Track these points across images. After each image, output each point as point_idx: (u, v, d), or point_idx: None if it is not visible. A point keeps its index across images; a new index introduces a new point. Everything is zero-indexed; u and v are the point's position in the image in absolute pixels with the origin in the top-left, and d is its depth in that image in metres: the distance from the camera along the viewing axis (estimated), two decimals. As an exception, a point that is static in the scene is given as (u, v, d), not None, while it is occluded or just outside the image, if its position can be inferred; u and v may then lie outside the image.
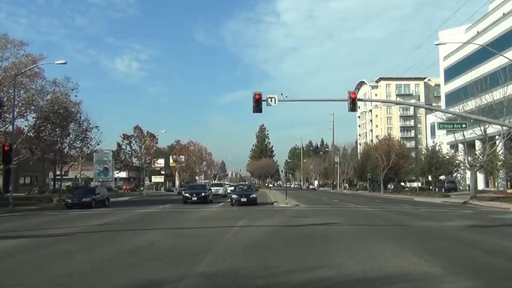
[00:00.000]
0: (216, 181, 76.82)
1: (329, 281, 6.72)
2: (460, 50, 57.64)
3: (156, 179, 78.68)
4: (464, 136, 35.21)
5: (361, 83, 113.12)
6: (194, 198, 30.08)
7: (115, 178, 67.58)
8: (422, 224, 16.45)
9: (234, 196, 29.35)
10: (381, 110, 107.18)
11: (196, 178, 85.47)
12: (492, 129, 34.14)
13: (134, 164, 58.78)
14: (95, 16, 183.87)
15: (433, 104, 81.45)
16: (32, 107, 33.93)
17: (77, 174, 67.70)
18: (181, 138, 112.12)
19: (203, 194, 30.94)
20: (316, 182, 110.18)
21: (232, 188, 48.48)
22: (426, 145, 59.05)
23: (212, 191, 37.11)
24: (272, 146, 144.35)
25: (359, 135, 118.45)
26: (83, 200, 27.57)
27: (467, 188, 46.00)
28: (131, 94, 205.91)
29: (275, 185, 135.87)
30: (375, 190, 62.83)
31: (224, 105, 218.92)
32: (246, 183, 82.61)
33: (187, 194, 30.99)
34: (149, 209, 25.39)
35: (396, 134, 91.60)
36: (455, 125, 27.52)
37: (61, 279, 6.83)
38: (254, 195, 29.48)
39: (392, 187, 62.50)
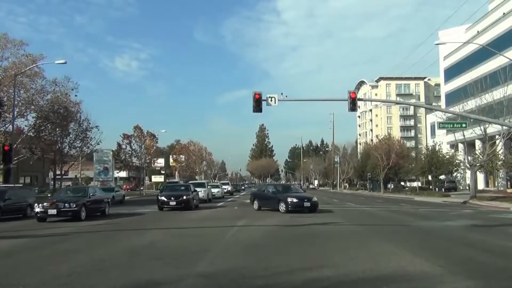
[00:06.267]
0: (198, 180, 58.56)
1: (329, 281, 6.72)
2: (460, 49, 57.65)
3: (156, 178, 78.65)
4: (464, 135, 35.17)
5: (361, 83, 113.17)
6: (172, 203, 23.25)
7: (115, 178, 67.57)
8: (422, 223, 16.44)
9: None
10: (381, 110, 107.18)
11: (196, 177, 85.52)
12: (492, 129, 34.12)
13: (134, 164, 58.78)
14: (94, 15, 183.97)
15: (433, 104, 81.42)
16: (32, 107, 33.98)
17: (77, 174, 67.68)
18: (181, 137, 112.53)
19: (184, 197, 23.53)
20: (316, 182, 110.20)
21: (217, 189, 40.43)
22: (426, 145, 59.04)
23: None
24: (272, 146, 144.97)
25: (359, 134, 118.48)
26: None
27: (467, 187, 46.00)
28: (131, 94, 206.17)
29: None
30: (375, 190, 62.84)
31: (224, 105, 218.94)
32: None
33: (163, 198, 23.67)
34: (149, 209, 25.33)
35: (396, 133, 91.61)
36: (455, 125, 27.51)
37: (61, 279, 6.82)
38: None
39: (392, 186, 62.50)
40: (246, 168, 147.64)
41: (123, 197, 36.15)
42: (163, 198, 23.73)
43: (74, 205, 17.50)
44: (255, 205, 23.67)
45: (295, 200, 21.01)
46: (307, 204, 20.88)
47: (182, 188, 27.00)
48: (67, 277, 6.93)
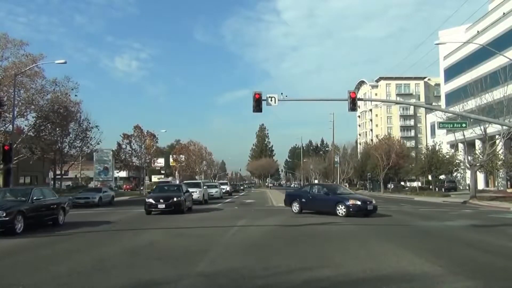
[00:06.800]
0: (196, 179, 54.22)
1: (329, 281, 6.72)
2: (460, 49, 57.62)
3: (156, 178, 78.74)
4: (464, 135, 35.18)
5: (361, 83, 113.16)
6: (161, 206, 20.81)
7: (115, 178, 67.70)
8: (422, 223, 16.45)
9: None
10: (381, 110, 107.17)
11: (196, 177, 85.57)
12: (492, 129, 34.12)
13: (134, 164, 58.80)
14: (94, 15, 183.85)
15: (433, 104, 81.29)
16: (32, 107, 33.95)
17: (77, 174, 67.80)
18: (181, 137, 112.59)
19: (175, 199, 21.19)
20: (316, 182, 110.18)
21: (215, 190, 38.75)
22: (426, 145, 59.00)
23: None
24: (272, 146, 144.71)
25: (359, 134, 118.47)
26: None
27: (467, 187, 45.99)
28: (131, 94, 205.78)
29: (275, 184, 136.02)
30: (375, 190, 62.85)
31: (224, 105, 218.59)
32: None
33: (151, 200, 21.23)
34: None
35: (396, 133, 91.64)
36: (455, 125, 27.48)
37: (61, 279, 6.83)
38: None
39: (392, 186, 62.52)
40: (246, 168, 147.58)
41: (112, 197, 35.43)
42: (150, 200, 21.28)
43: (4, 214, 12.50)
44: (295, 207, 20.79)
45: (358, 202, 18.49)
46: (370, 207, 18.59)
47: (173, 188, 24.68)
48: (67, 277, 6.93)
